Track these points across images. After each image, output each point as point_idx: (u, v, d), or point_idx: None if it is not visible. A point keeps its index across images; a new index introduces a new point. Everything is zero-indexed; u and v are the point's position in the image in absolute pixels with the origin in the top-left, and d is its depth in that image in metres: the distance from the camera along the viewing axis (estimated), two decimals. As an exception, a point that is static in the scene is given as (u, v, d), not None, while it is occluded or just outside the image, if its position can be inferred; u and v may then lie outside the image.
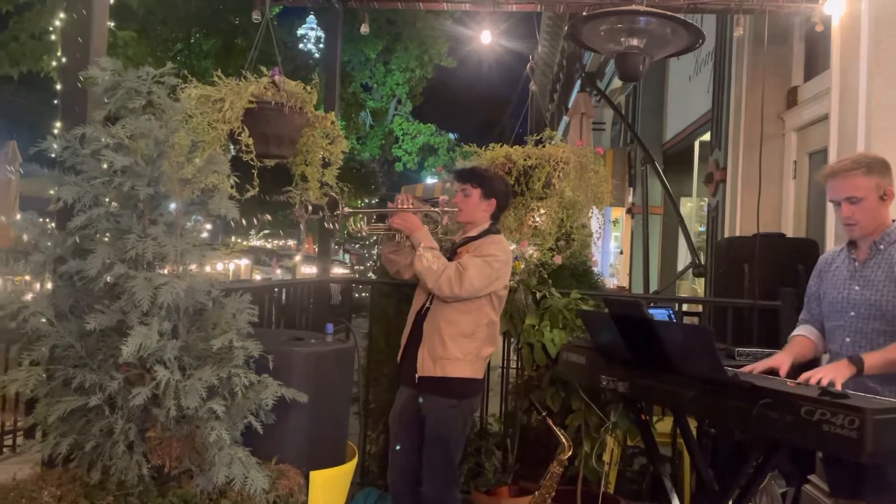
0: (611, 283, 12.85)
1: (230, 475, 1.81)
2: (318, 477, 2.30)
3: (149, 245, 1.85)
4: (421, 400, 3.05)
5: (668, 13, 3.05)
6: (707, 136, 7.25)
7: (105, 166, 1.92)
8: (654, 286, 8.52)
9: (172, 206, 1.94)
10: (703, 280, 6.89)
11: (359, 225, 3.10)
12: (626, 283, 10.73)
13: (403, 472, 3.14)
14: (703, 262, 6.61)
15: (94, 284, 1.85)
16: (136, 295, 1.78)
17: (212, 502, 1.82)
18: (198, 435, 1.83)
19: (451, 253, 3.22)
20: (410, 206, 3.09)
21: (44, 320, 1.83)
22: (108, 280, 1.84)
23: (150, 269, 1.88)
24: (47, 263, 1.92)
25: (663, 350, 2.64)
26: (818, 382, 2.42)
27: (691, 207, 9.43)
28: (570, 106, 10.19)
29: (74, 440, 1.82)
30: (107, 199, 1.91)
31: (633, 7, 3.09)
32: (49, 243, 1.95)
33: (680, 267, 8.66)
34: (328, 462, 2.41)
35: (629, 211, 10.96)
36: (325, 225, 3.05)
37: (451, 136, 22.31)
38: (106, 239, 1.88)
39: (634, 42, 3.15)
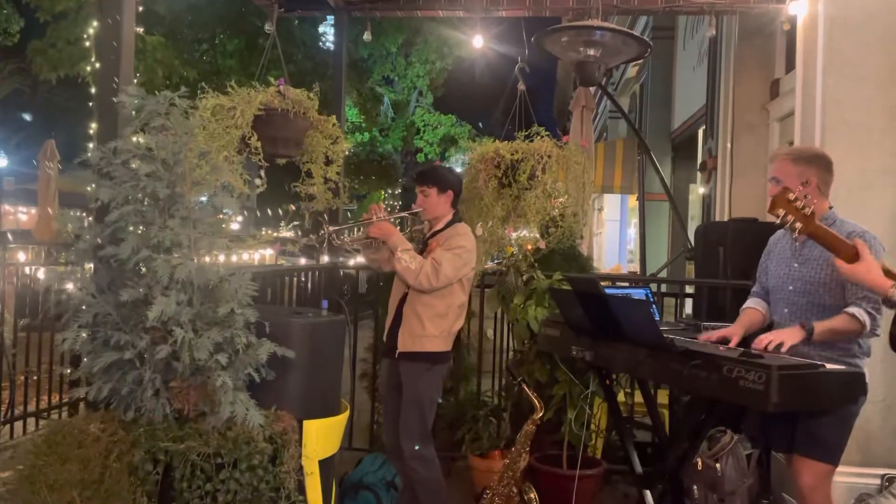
0: (629, 267, 13.13)
1: (233, 412, 2.30)
2: (310, 425, 2.76)
3: (167, 234, 2.34)
4: (400, 369, 3.49)
5: (619, 28, 3.43)
6: (708, 126, 7.53)
7: (134, 170, 2.39)
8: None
9: (191, 203, 2.42)
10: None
11: (341, 238, 3.55)
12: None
13: (394, 433, 3.56)
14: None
15: (126, 266, 2.34)
16: (158, 272, 2.27)
17: (220, 435, 2.31)
18: (209, 383, 2.32)
19: (422, 244, 3.63)
20: (384, 216, 3.49)
21: (88, 294, 2.32)
22: (136, 263, 2.32)
23: (169, 253, 2.36)
24: (88, 250, 2.42)
25: (617, 321, 3.02)
26: (773, 345, 2.72)
27: (698, 194, 9.67)
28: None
29: (113, 387, 2.32)
30: (134, 198, 2.39)
31: (589, 23, 3.47)
32: (88, 235, 2.46)
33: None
34: (321, 414, 2.87)
35: (639, 198, 11.22)
36: (316, 245, 3.49)
37: (470, 126, 22.59)
38: (132, 229, 2.36)
39: (591, 52, 3.54)
